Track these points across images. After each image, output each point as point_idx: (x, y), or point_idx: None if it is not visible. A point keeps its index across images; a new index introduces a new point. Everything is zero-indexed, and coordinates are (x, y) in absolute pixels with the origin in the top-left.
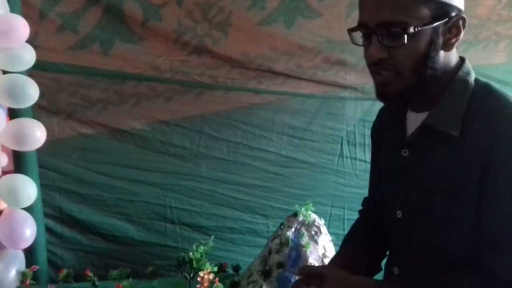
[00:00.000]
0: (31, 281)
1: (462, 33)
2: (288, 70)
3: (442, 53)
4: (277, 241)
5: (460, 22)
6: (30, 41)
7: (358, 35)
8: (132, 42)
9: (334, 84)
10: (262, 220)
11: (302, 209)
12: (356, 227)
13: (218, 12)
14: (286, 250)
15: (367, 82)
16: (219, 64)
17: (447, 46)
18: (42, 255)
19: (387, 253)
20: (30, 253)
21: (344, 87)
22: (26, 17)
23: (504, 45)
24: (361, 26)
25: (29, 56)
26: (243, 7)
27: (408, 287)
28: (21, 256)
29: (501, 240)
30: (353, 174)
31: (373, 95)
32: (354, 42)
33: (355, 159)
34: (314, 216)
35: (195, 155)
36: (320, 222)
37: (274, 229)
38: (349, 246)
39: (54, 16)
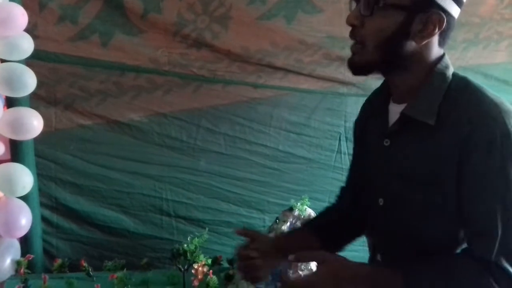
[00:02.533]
0: (26, 270)
1: (437, 31)
2: (287, 65)
3: (412, 43)
4: (272, 235)
5: (438, 21)
6: (29, 31)
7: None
8: (131, 34)
9: (334, 80)
10: (258, 215)
11: (298, 203)
12: (322, 212)
13: (218, 6)
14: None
15: (367, 79)
16: (219, 58)
17: (418, 38)
18: (37, 245)
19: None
20: (25, 242)
21: (343, 83)
22: (26, 7)
23: (505, 45)
24: None
25: (27, 45)
26: (243, 1)
27: (406, 275)
28: (17, 245)
29: (487, 228)
30: None
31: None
32: (350, 10)
33: None
34: (309, 210)
35: (192, 148)
36: None
37: (270, 224)
38: (303, 228)
39: (54, 6)
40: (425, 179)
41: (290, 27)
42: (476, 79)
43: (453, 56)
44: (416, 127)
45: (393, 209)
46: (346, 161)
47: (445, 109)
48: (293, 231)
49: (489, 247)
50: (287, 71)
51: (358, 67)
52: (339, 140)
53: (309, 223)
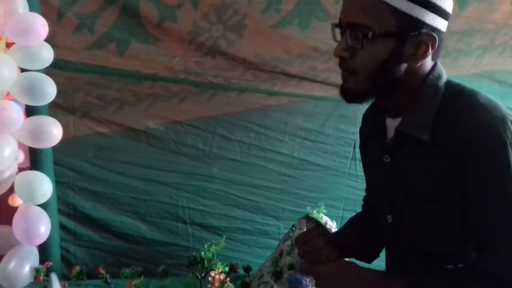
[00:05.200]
0: (45, 277)
1: (430, 52)
2: (302, 72)
3: (405, 65)
4: (288, 242)
5: (430, 41)
6: (48, 40)
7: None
8: (147, 43)
9: None
10: (273, 222)
11: (314, 211)
12: (358, 216)
13: (233, 14)
14: (297, 252)
15: None
16: (233, 66)
17: (412, 61)
18: (55, 252)
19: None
20: (44, 250)
21: None
22: (44, 16)
23: None
24: (338, 23)
25: (47, 55)
26: (258, 9)
27: (408, 283)
28: (35, 252)
29: (494, 242)
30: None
31: None
32: (334, 38)
33: None
34: (326, 218)
35: (208, 155)
36: (332, 224)
37: (285, 231)
38: (350, 230)
39: (72, 16)
40: (429, 195)
41: (304, 35)
42: (491, 86)
43: (468, 62)
44: (413, 142)
45: (402, 225)
46: (360, 168)
47: (439, 122)
48: (342, 232)
49: (497, 261)
50: (301, 78)
51: (352, 95)
52: (354, 147)
53: (352, 224)
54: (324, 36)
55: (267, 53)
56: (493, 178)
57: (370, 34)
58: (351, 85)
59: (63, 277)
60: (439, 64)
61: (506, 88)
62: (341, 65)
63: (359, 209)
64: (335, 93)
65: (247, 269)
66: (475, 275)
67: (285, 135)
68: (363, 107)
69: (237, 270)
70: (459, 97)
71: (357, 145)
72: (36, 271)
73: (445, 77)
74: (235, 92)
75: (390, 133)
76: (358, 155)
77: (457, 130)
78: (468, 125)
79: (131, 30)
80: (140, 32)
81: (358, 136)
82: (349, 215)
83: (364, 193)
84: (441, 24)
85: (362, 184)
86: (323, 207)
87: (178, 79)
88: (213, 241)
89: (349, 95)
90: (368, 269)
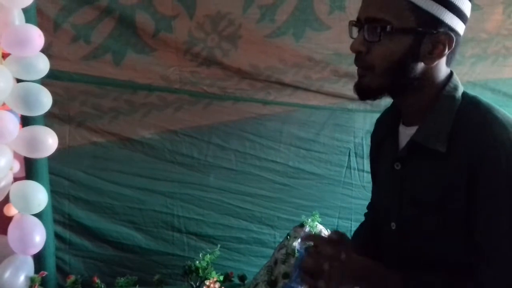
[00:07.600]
0: (40, 287)
1: (447, 52)
2: (296, 81)
3: (422, 64)
4: (283, 251)
5: (447, 41)
6: (44, 50)
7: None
8: (143, 53)
9: (342, 96)
10: (269, 231)
11: (309, 220)
12: (364, 227)
13: (228, 25)
14: (292, 261)
15: None
16: (228, 75)
17: (427, 60)
18: (50, 261)
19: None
20: (39, 259)
21: (352, 99)
22: (40, 27)
23: None
24: (357, 20)
25: (43, 65)
26: (253, 19)
27: (408, 281)
28: (30, 262)
29: (495, 255)
30: (360, 186)
31: (382, 107)
32: (351, 36)
33: (363, 171)
34: (320, 227)
35: (203, 164)
36: (327, 233)
37: (281, 240)
38: (360, 240)
39: (68, 26)
40: (437, 205)
41: (298, 45)
42: (484, 94)
43: (461, 71)
44: (426, 152)
45: (405, 233)
46: (355, 177)
47: (454, 134)
48: (357, 239)
49: (495, 274)
50: (296, 87)
51: (367, 91)
52: (349, 155)
53: (360, 234)
54: (318, 46)
55: (262, 62)
56: (503, 193)
57: (388, 27)
58: (367, 80)
59: (58, 287)
60: (455, 75)
61: (500, 96)
62: (357, 61)
63: (354, 217)
64: (329, 102)
65: (242, 278)
66: (468, 283)
67: (280, 144)
68: (357, 118)
69: (232, 279)
70: (475, 110)
71: (352, 154)
72: (31, 280)
73: (461, 88)
74: (230, 101)
75: (403, 141)
76: (352, 163)
77: (472, 143)
78: (483, 139)
79: (127, 40)
80: (136, 43)
81: (352, 145)
82: (344, 223)
83: (360, 201)
84: (458, 25)
85: (357, 193)
86: (318, 216)
87: (173, 89)
88: (208, 250)
89: (364, 91)
90: (375, 262)
